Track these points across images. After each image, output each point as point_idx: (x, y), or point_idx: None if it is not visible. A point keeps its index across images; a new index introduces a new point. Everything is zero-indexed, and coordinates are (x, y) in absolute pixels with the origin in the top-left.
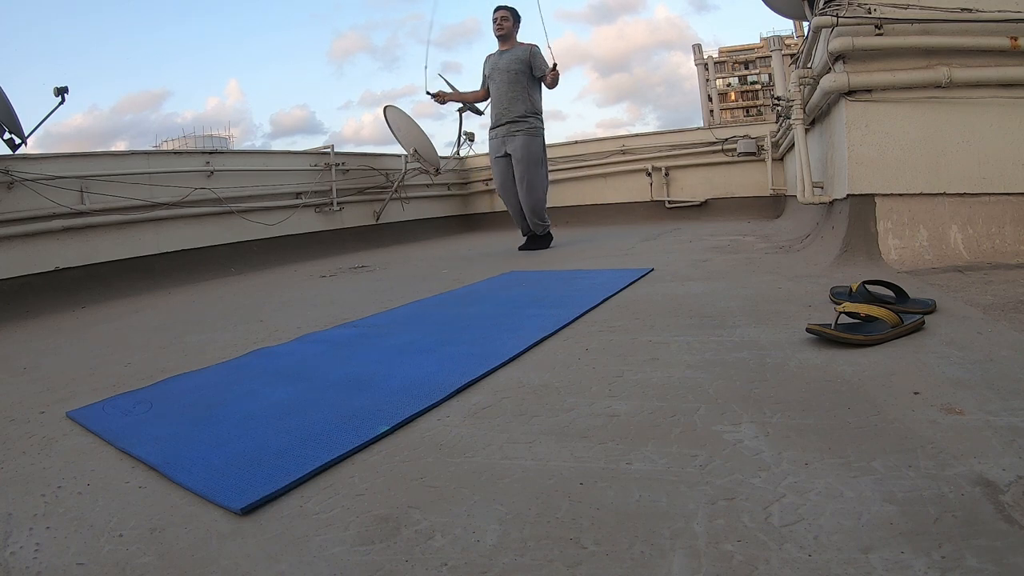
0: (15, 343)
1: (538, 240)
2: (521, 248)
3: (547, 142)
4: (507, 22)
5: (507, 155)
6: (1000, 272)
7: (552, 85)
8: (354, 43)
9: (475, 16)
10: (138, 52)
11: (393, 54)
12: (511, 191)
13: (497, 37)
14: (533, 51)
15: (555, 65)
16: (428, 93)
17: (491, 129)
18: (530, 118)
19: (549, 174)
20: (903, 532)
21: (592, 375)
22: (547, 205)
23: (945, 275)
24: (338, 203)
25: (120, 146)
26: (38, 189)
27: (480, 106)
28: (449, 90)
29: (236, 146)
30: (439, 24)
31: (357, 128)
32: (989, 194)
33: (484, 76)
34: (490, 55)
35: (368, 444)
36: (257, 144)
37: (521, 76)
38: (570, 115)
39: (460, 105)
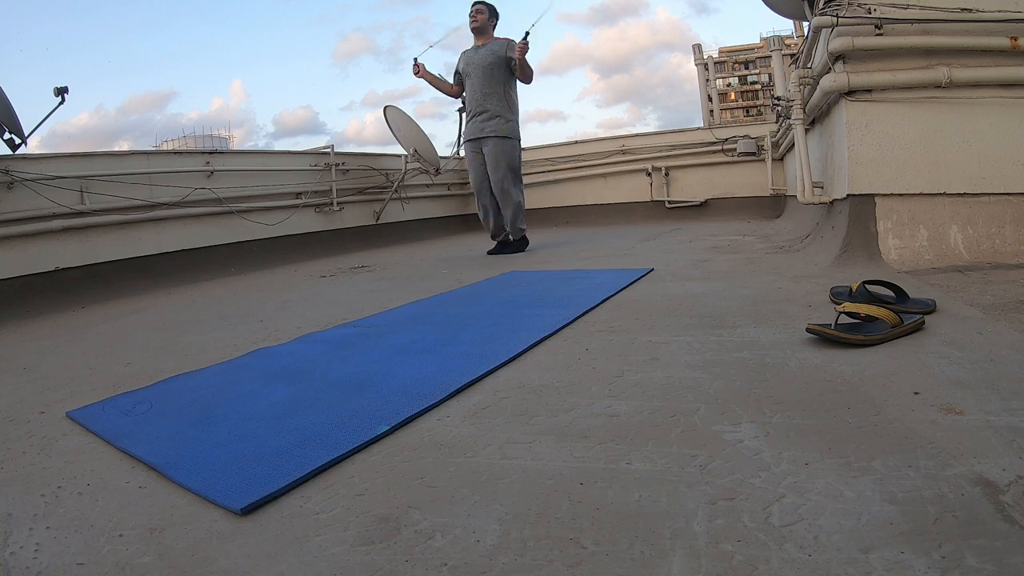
0: (15, 343)
1: (512, 244)
2: (491, 252)
3: (547, 142)
4: (482, 15)
5: (482, 153)
6: (1000, 272)
7: (523, 70)
8: (358, 45)
9: None
10: (145, 53)
11: (397, 56)
12: (486, 190)
13: (472, 31)
14: (511, 45)
15: (526, 34)
16: (415, 59)
17: (466, 125)
18: (504, 114)
19: (549, 175)
20: (903, 532)
21: (592, 375)
22: (547, 205)
23: (945, 275)
24: (338, 203)
25: (123, 146)
26: (38, 189)
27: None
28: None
29: (239, 147)
30: (442, 25)
31: (359, 128)
32: (989, 194)
33: (457, 71)
34: (465, 51)
35: (368, 444)
36: (260, 144)
37: (497, 70)
38: (571, 116)
39: (459, 105)
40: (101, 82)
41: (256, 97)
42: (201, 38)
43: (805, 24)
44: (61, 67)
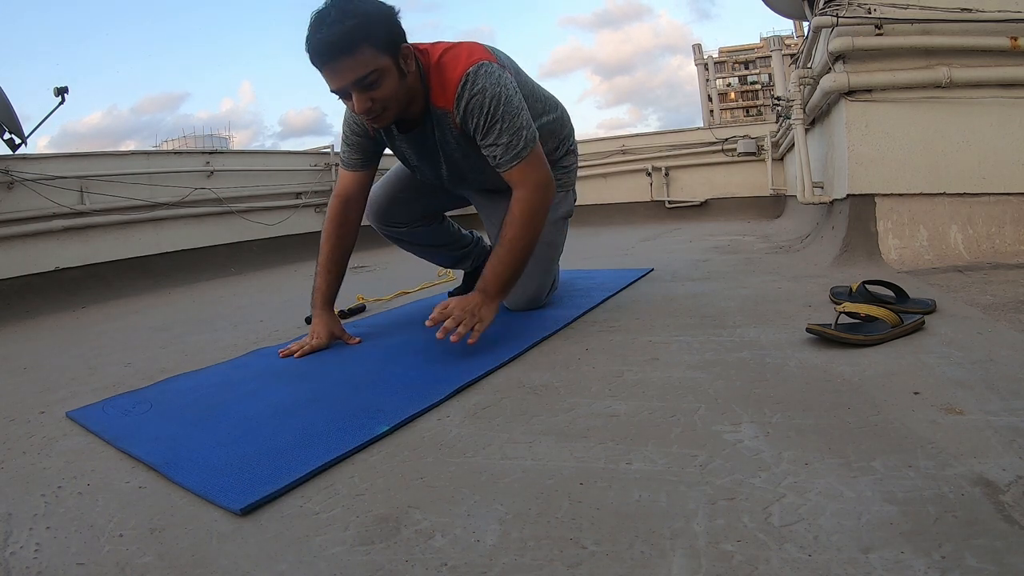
0: (15, 343)
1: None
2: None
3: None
4: (383, 90)
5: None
6: (1000, 272)
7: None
8: None
9: (489, 24)
10: (159, 55)
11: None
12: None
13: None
14: (472, 105)
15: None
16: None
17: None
18: None
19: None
20: (903, 532)
21: (592, 375)
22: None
23: (945, 275)
24: None
25: (129, 146)
26: (38, 189)
27: None
28: None
29: (242, 148)
30: (452, 29)
31: None
32: (989, 194)
33: (362, 148)
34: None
35: (368, 444)
36: (267, 144)
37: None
38: (571, 117)
39: None
40: (117, 82)
41: (265, 98)
42: (217, 40)
43: (805, 24)
44: (70, 67)
